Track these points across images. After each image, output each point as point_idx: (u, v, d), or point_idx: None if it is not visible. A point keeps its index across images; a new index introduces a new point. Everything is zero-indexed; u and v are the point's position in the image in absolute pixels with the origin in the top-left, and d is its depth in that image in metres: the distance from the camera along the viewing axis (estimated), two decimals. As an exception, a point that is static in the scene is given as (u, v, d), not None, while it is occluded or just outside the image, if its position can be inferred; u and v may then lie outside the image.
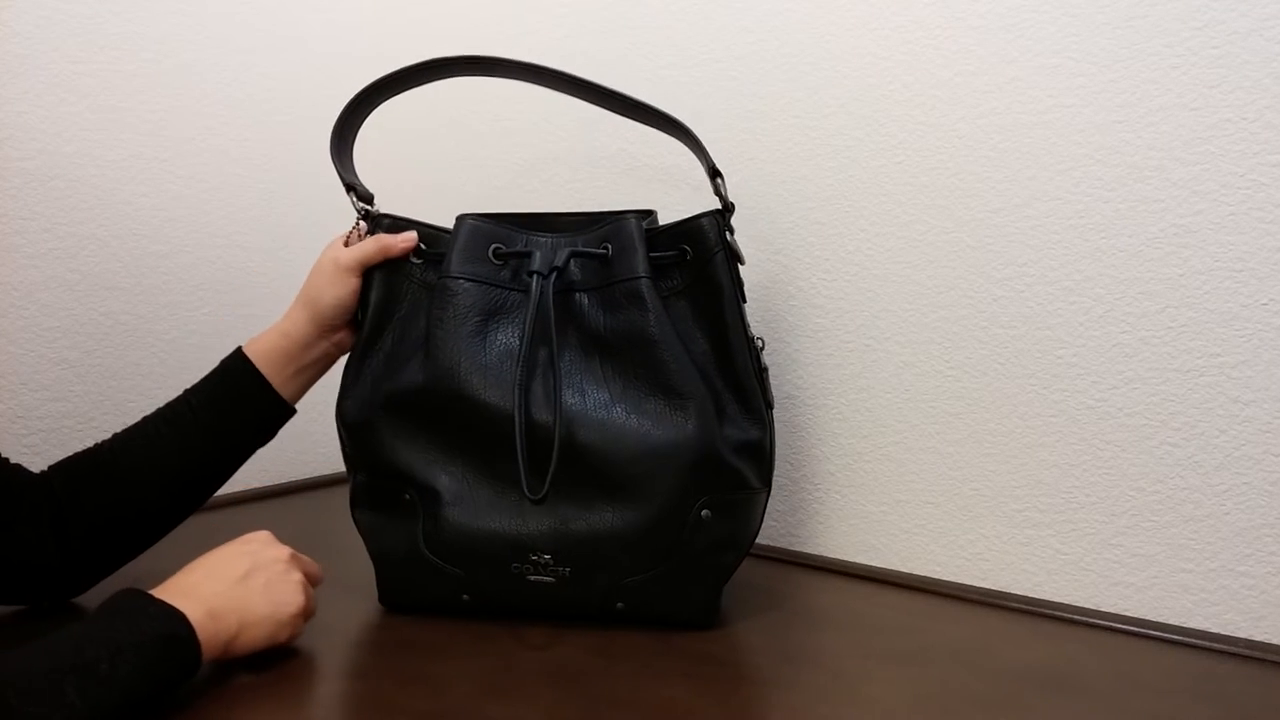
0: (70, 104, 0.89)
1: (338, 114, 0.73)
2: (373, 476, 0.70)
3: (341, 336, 0.73)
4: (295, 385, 0.73)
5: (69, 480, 0.67)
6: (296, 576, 0.61)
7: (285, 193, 1.09)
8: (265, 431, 0.73)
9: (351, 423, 0.69)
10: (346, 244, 0.72)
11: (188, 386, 0.71)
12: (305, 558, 0.65)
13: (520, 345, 0.66)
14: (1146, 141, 0.67)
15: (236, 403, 0.71)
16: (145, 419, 0.70)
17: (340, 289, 0.70)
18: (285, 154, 1.09)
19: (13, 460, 0.66)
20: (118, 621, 0.51)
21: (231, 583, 0.58)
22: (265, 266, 1.07)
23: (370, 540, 0.70)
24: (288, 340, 0.71)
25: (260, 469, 1.06)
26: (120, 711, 0.48)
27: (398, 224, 0.71)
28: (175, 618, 0.52)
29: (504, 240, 0.70)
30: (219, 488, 0.73)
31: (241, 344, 0.72)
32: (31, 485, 0.66)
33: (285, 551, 0.62)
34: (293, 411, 0.74)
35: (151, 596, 0.53)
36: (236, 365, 0.71)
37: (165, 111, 0.96)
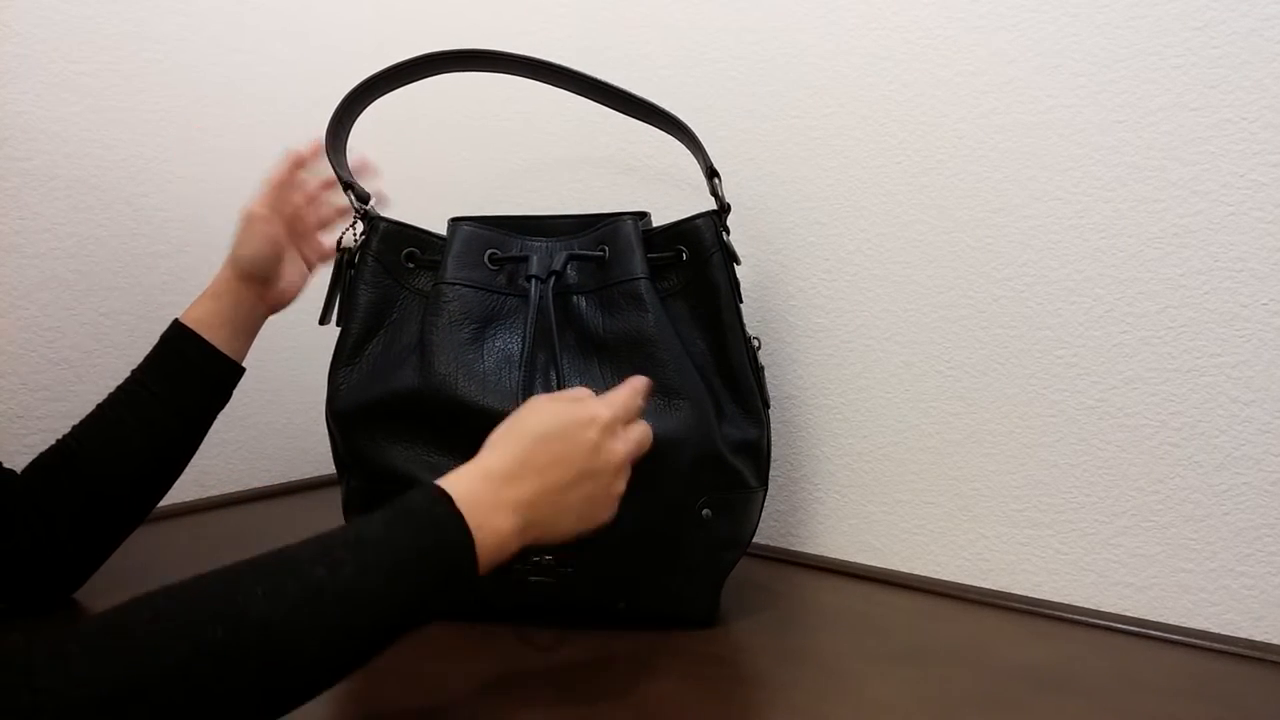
0: (70, 104, 0.88)
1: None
2: (368, 480, 0.69)
3: (275, 293, 0.74)
4: (237, 345, 0.74)
5: (43, 478, 0.67)
6: (620, 489, 0.55)
7: (285, 193, 1.09)
8: (220, 394, 0.73)
9: (346, 425, 0.69)
10: (339, 242, 0.72)
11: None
12: (636, 440, 0.56)
13: (520, 350, 0.66)
14: (1146, 141, 0.67)
15: (185, 370, 0.71)
16: (100, 406, 0.70)
17: (256, 240, 0.71)
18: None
19: (14, 460, 0.66)
20: (405, 534, 0.46)
21: (556, 491, 0.51)
22: (265, 266, 1.07)
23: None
24: (219, 302, 0.73)
25: (260, 469, 1.06)
26: (385, 628, 0.45)
27: (394, 226, 0.71)
28: (467, 549, 0.47)
29: (499, 245, 0.70)
30: (189, 459, 0.73)
31: (178, 317, 0.72)
32: (4, 486, 0.66)
33: (620, 456, 0.54)
34: (242, 370, 0.74)
35: (452, 512, 0.47)
36: (177, 335, 0.72)
37: (165, 111, 0.96)
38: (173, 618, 0.39)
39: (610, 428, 0.54)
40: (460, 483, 0.49)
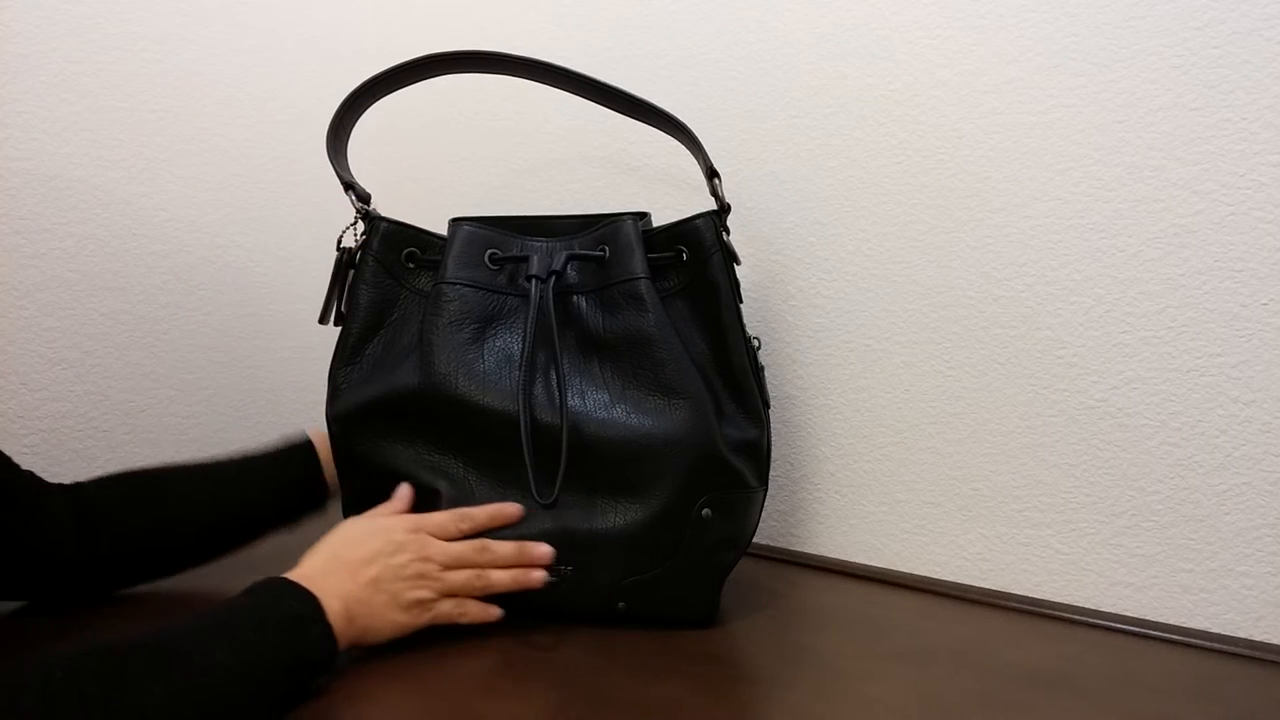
0: (70, 104, 0.88)
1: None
2: (368, 480, 0.69)
3: None
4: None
5: (105, 491, 0.69)
6: (426, 589, 0.61)
7: (285, 193, 1.09)
8: (292, 516, 0.76)
9: (346, 425, 0.69)
10: (339, 241, 0.72)
11: (249, 450, 0.75)
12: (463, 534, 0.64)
13: (521, 350, 0.66)
14: (1146, 141, 0.67)
15: (282, 483, 0.75)
16: (200, 463, 0.74)
17: None
18: (285, 154, 1.09)
19: (13, 460, 0.66)
20: (262, 598, 0.53)
21: (367, 585, 0.58)
22: (265, 266, 1.07)
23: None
24: None
25: (260, 469, 1.06)
26: (269, 675, 0.50)
27: (394, 226, 0.71)
28: (309, 599, 0.54)
29: (500, 245, 0.70)
30: (238, 548, 0.74)
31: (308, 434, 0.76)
32: (54, 491, 0.67)
33: (423, 550, 0.61)
34: (324, 503, 0.78)
35: (290, 581, 0.55)
36: (299, 446, 0.76)
37: (165, 111, 0.96)
38: None
39: (413, 528, 0.62)
40: (291, 573, 0.57)
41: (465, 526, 0.64)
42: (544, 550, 0.64)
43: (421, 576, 0.61)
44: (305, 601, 0.54)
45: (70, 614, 0.66)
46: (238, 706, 0.48)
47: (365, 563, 0.59)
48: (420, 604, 0.61)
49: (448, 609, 0.62)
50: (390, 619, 0.59)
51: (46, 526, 0.65)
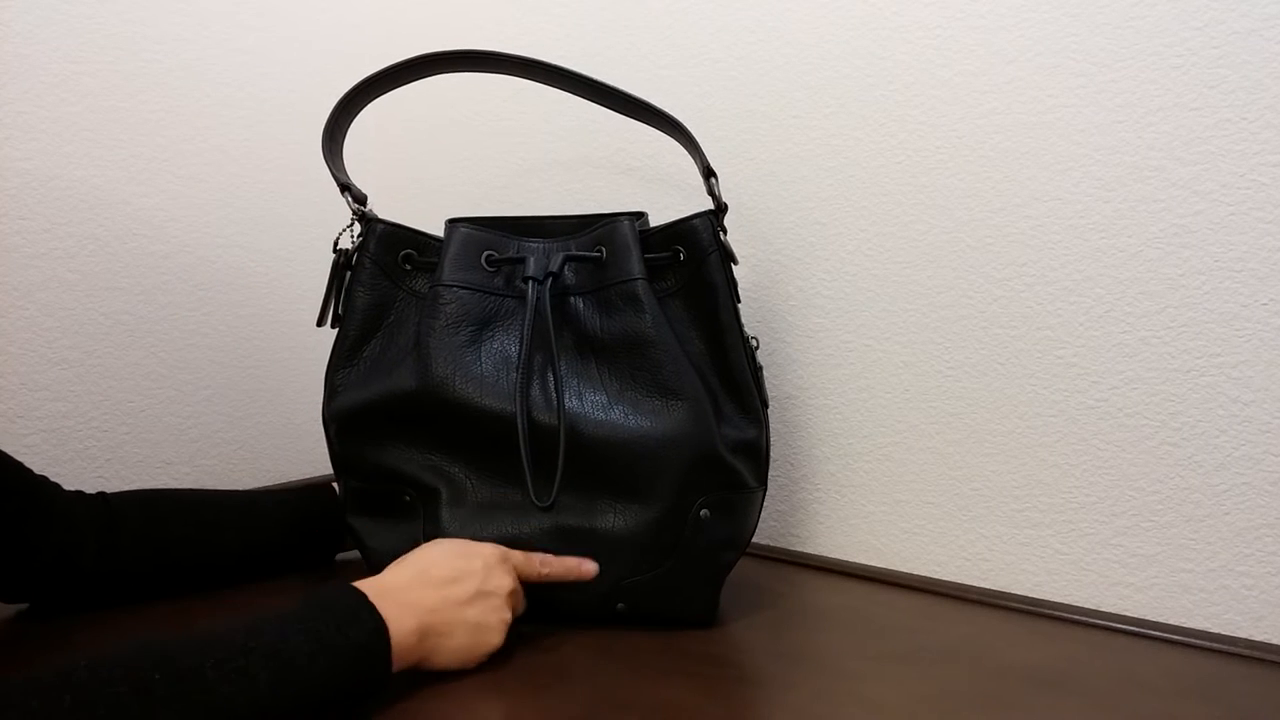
0: (70, 104, 0.89)
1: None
2: (367, 480, 0.69)
3: None
4: None
5: (132, 504, 0.69)
6: (508, 615, 0.60)
7: (285, 193, 1.09)
8: (311, 553, 0.78)
9: (343, 426, 0.69)
10: (335, 243, 0.72)
11: (270, 486, 0.77)
12: (520, 579, 0.63)
13: (518, 352, 0.66)
14: (1146, 141, 0.67)
15: (305, 517, 0.76)
16: (227, 490, 0.75)
17: None
18: (285, 154, 1.09)
19: (27, 467, 0.66)
20: (327, 618, 0.49)
21: (452, 604, 0.56)
22: (265, 266, 1.07)
23: (368, 544, 0.70)
24: None
25: (260, 469, 1.06)
26: (303, 709, 0.46)
27: (391, 228, 0.71)
28: (381, 632, 0.51)
29: (496, 247, 0.70)
30: (255, 577, 0.75)
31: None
32: (75, 498, 0.67)
33: (511, 583, 0.60)
34: (341, 546, 0.79)
35: (366, 600, 0.52)
36: (322, 488, 0.77)
37: (165, 111, 0.96)
38: None
39: (502, 559, 0.61)
40: (366, 585, 0.54)
41: (545, 572, 0.64)
42: (591, 568, 0.65)
43: (504, 603, 0.60)
44: (373, 631, 0.51)
45: (72, 618, 0.67)
46: None
47: (453, 581, 0.57)
48: (502, 625, 0.59)
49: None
50: (466, 641, 0.57)
51: (65, 533, 0.65)
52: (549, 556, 0.64)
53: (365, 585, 0.54)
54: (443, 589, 0.56)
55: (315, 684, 0.47)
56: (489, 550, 0.61)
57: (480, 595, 0.58)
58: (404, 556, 0.60)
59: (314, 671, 0.47)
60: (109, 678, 0.41)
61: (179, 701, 0.42)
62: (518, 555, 0.63)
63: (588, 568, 0.65)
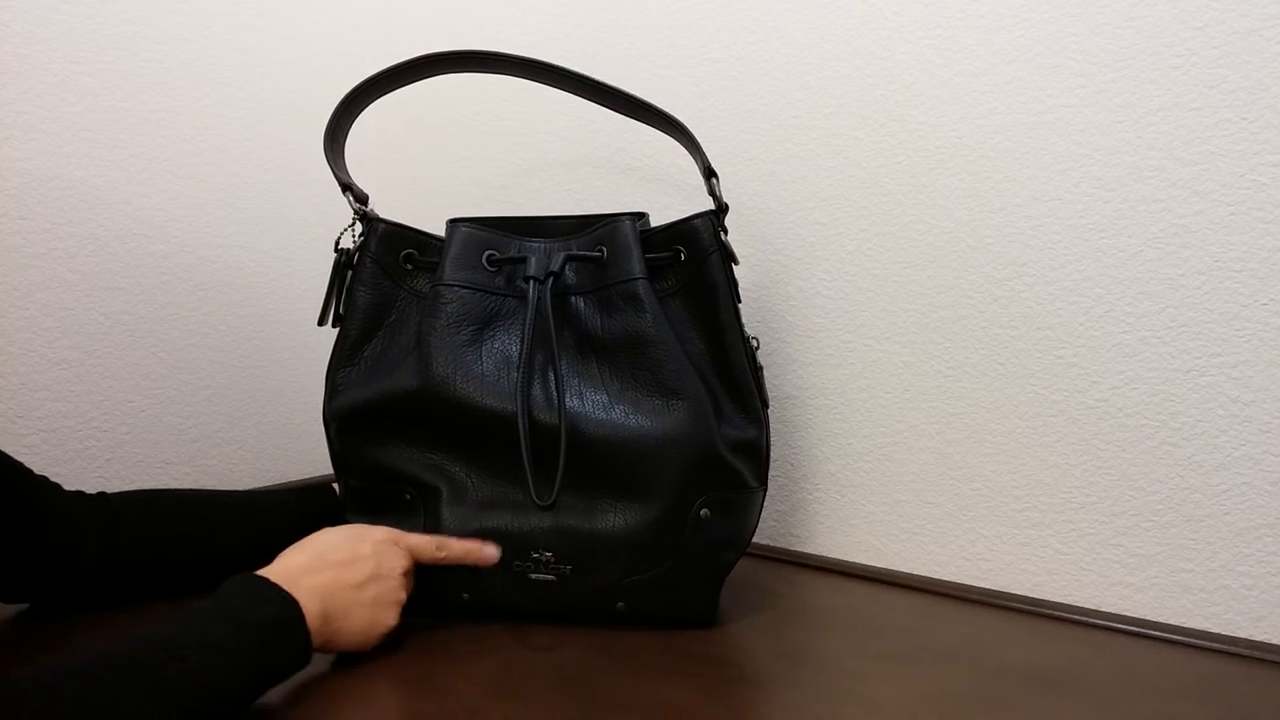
0: (70, 104, 0.89)
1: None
2: (368, 480, 0.69)
3: None
4: None
5: (132, 504, 0.69)
6: (403, 596, 0.62)
7: (285, 193, 1.09)
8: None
9: (344, 426, 0.69)
10: (337, 243, 0.72)
11: (270, 486, 0.77)
12: (413, 556, 0.64)
13: (519, 351, 0.66)
14: (1146, 141, 0.67)
15: (306, 516, 0.75)
16: (227, 490, 0.76)
17: None
18: (285, 154, 1.09)
19: (27, 467, 0.66)
20: (239, 601, 0.52)
21: (348, 587, 0.58)
22: (265, 266, 1.07)
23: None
24: None
25: (260, 469, 1.06)
26: (237, 689, 0.49)
27: (392, 228, 0.71)
28: (290, 603, 0.53)
29: (497, 246, 0.70)
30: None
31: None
32: (75, 498, 0.67)
33: (404, 563, 0.63)
34: None
35: (269, 581, 0.54)
36: (323, 488, 0.78)
37: (165, 111, 0.96)
38: None
39: (394, 540, 0.63)
40: (267, 573, 0.56)
41: (441, 555, 0.65)
42: (492, 552, 0.65)
43: (400, 584, 0.62)
44: (285, 605, 0.53)
45: (72, 618, 0.67)
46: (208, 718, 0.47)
47: (348, 564, 0.59)
48: (395, 605, 0.61)
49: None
50: (364, 622, 0.59)
51: (66, 533, 0.65)
52: (446, 539, 0.65)
53: (266, 572, 0.56)
54: (339, 572, 0.58)
55: (242, 661, 0.49)
56: (380, 533, 0.63)
57: (374, 578, 0.60)
58: (299, 542, 0.61)
59: (239, 650, 0.49)
60: (55, 683, 0.43)
61: (128, 696, 0.44)
62: (412, 538, 0.64)
63: (488, 551, 0.65)
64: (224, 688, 0.48)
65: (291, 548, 0.60)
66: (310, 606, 0.55)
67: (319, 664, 0.59)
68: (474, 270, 0.69)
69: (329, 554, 0.59)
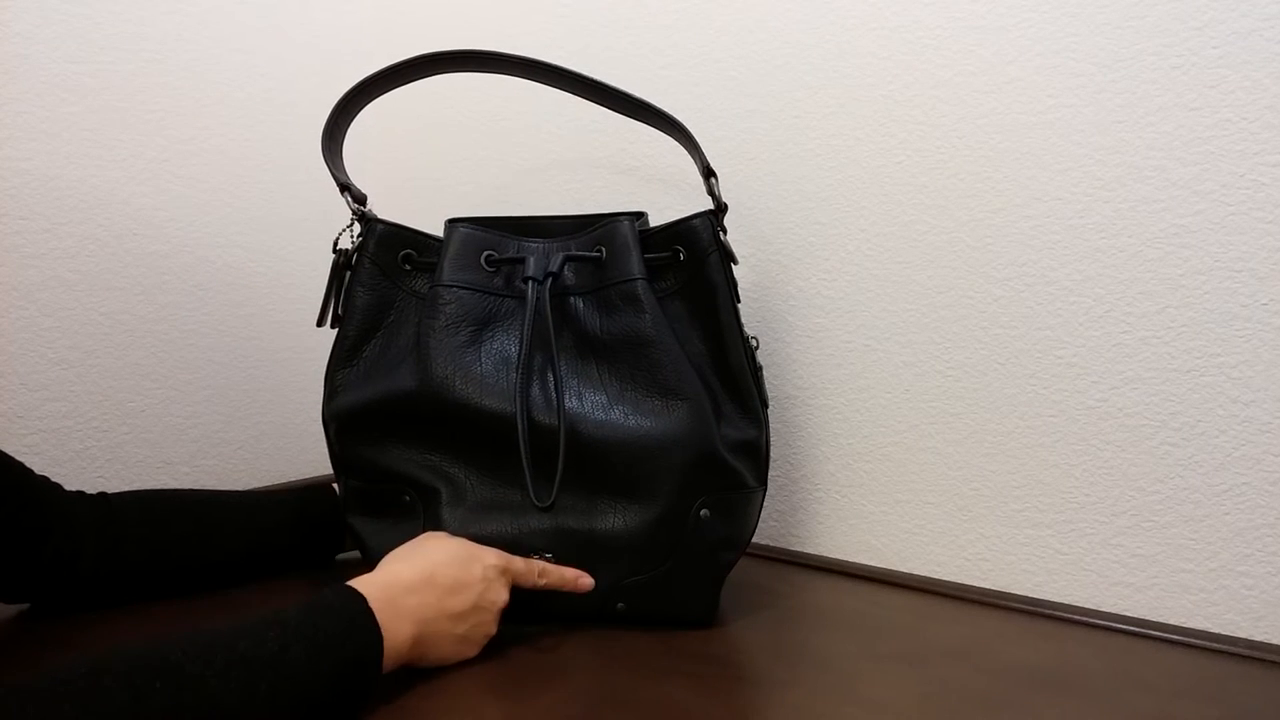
0: (70, 104, 0.88)
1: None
2: (367, 480, 0.69)
3: None
4: None
5: (131, 505, 0.69)
6: (493, 630, 0.60)
7: (285, 193, 1.09)
8: (311, 554, 0.77)
9: (343, 426, 0.69)
10: (335, 243, 0.72)
11: (270, 487, 0.76)
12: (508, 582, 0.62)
13: (518, 352, 0.66)
14: (1146, 141, 0.67)
15: (306, 519, 0.76)
16: (227, 490, 0.75)
17: None
18: (285, 154, 1.09)
19: (27, 467, 0.66)
20: (327, 627, 0.50)
21: (448, 616, 0.56)
22: (265, 266, 1.07)
23: (368, 543, 0.70)
24: None
25: (260, 469, 1.06)
26: (297, 715, 0.47)
27: (390, 229, 0.71)
28: (377, 646, 0.51)
29: (496, 247, 0.70)
30: (255, 577, 0.75)
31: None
32: (75, 498, 0.67)
33: (505, 597, 0.61)
34: (341, 546, 0.79)
35: (366, 607, 0.52)
36: (322, 488, 0.78)
37: (165, 111, 0.96)
38: None
39: (502, 570, 0.61)
40: (370, 586, 0.54)
41: (542, 582, 0.63)
42: (588, 581, 0.65)
43: (494, 619, 0.60)
44: (369, 645, 0.51)
45: (72, 618, 0.67)
46: None
47: (454, 591, 0.57)
48: (484, 640, 0.60)
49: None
50: (446, 653, 0.57)
51: (66, 534, 0.65)
52: (548, 565, 0.64)
53: (369, 585, 0.54)
54: (443, 598, 0.56)
55: (312, 693, 0.48)
56: (492, 559, 0.61)
57: (475, 609, 0.58)
58: (411, 546, 0.60)
59: (312, 682, 0.47)
60: (109, 686, 0.41)
61: (181, 711, 0.42)
62: (519, 564, 0.62)
63: (585, 581, 0.65)
64: (282, 716, 0.46)
65: (399, 553, 0.59)
66: (404, 631, 0.53)
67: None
68: (473, 271, 0.69)
69: (438, 575, 0.57)
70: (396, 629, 0.53)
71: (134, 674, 0.42)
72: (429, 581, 0.56)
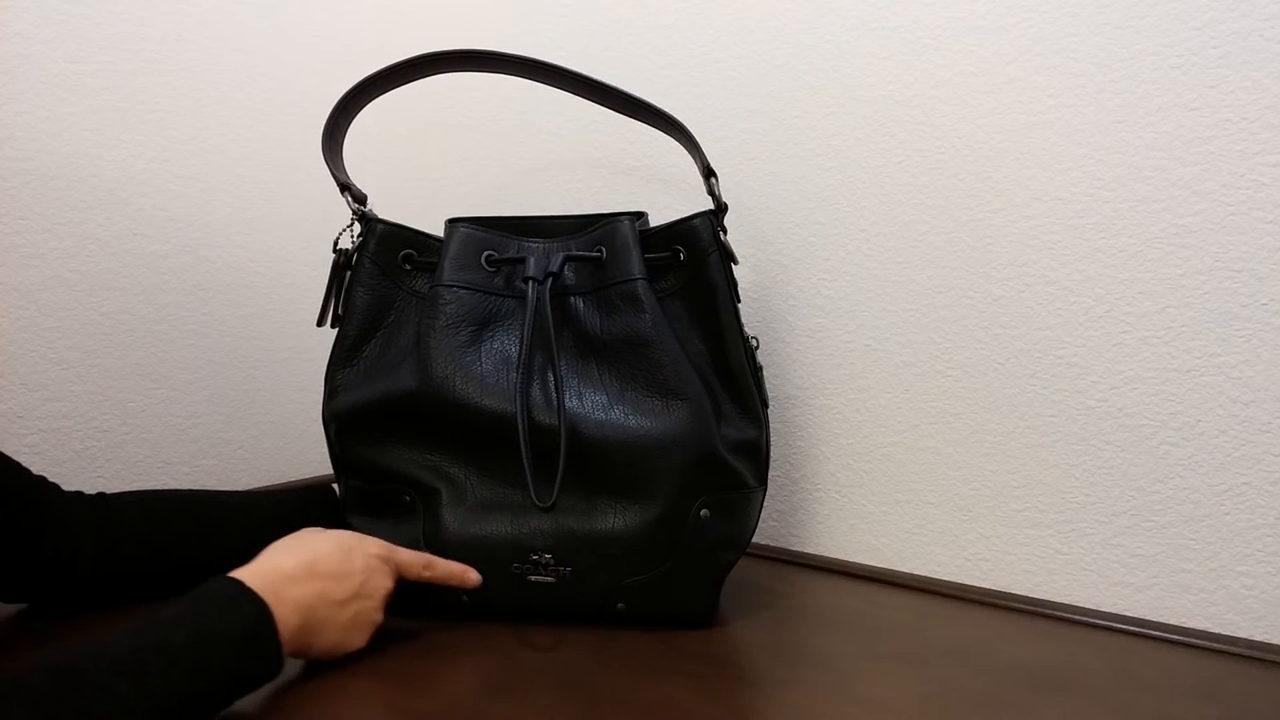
0: (70, 104, 0.88)
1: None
2: (367, 480, 0.69)
3: None
4: None
5: (130, 505, 0.69)
6: (379, 618, 0.61)
7: (285, 193, 1.09)
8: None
9: (343, 426, 0.69)
10: (335, 243, 0.72)
11: (270, 487, 0.76)
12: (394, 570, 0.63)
13: (518, 352, 0.66)
14: (1146, 141, 0.67)
15: (305, 519, 0.74)
16: (226, 491, 0.75)
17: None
18: (285, 154, 1.09)
19: (25, 467, 0.66)
20: (208, 609, 0.50)
21: (331, 602, 0.57)
22: (265, 266, 1.07)
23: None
24: None
25: (260, 469, 1.06)
26: (199, 699, 0.47)
27: (390, 228, 0.71)
28: (265, 617, 0.52)
29: (496, 247, 0.70)
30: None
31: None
32: (73, 498, 0.67)
33: (389, 584, 0.61)
34: None
35: (245, 588, 0.52)
36: (322, 489, 0.78)
37: (165, 111, 0.96)
38: None
39: (385, 558, 0.61)
40: (251, 575, 0.54)
41: (427, 575, 0.64)
42: (475, 577, 0.65)
43: (379, 606, 0.61)
44: (257, 614, 0.51)
45: (70, 618, 0.67)
46: None
47: (337, 578, 0.57)
48: (370, 628, 0.60)
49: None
50: (333, 641, 0.58)
51: (64, 534, 0.65)
52: (434, 559, 0.65)
53: (249, 574, 0.54)
54: (327, 586, 0.57)
55: (202, 672, 0.47)
56: (374, 549, 0.61)
57: (358, 596, 0.58)
58: (292, 539, 0.59)
59: (200, 660, 0.47)
60: (5, 693, 0.41)
61: (80, 710, 0.42)
62: (403, 554, 0.63)
63: (471, 577, 0.65)
64: (183, 698, 0.46)
65: (278, 545, 0.59)
66: (289, 620, 0.53)
67: (319, 662, 0.59)
68: (473, 271, 0.69)
69: (319, 564, 0.57)
70: (281, 616, 0.53)
71: (33, 683, 0.42)
72: (310, 570, 0.56)
